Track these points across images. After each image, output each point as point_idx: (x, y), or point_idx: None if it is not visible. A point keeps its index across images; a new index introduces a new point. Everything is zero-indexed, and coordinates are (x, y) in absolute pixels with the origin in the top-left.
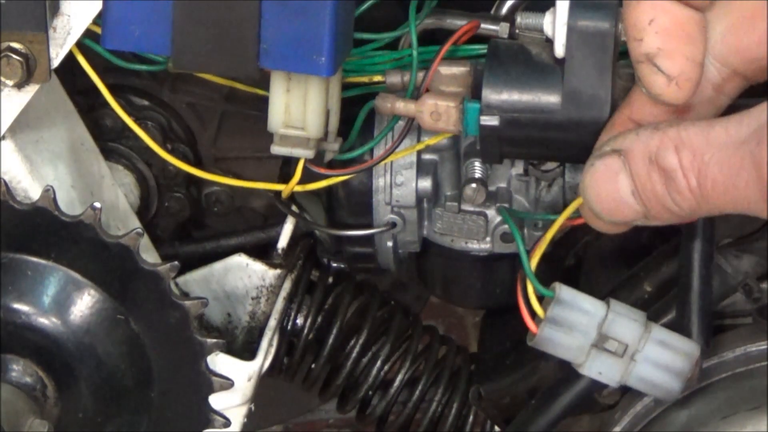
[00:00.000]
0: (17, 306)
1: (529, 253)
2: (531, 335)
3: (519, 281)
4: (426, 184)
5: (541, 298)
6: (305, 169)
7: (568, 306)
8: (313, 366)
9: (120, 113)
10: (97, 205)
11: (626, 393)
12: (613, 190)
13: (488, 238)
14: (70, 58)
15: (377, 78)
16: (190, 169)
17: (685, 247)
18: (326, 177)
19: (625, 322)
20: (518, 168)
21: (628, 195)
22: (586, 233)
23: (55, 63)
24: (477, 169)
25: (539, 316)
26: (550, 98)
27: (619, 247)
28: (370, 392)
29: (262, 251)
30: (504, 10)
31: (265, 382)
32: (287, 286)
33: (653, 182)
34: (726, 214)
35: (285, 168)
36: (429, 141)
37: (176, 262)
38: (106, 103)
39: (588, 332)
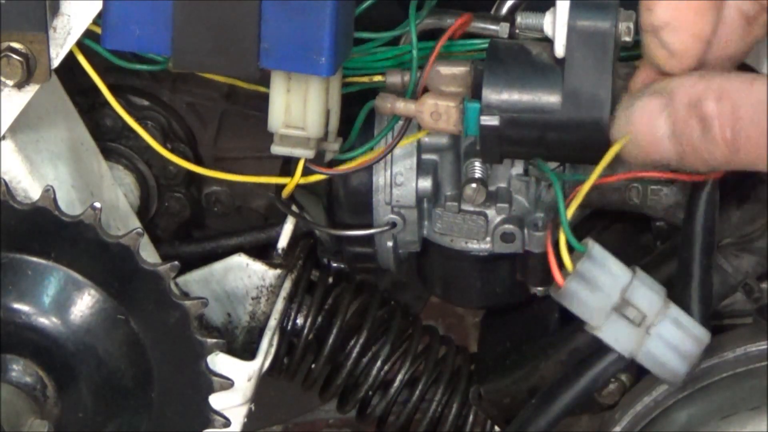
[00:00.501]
0: (17, 306)
1: (567, 202)
2: (555, 287)
3: (550, 232)
4: (426, 184)
5: (570, 252)
6: (305, 169)
7: (597, 264)
8: (313, 366)
9: (121, 113)
10: (97, 205)
11: (626, 393)
12: (653, 129)
13: (488, 238)
14: (70, 57)
15: (378, 78)
16: (191, 166)
17: (686, 237)
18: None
19: (647, 292)
20: (518, 168)
21: (665, 137)
22: (587, 232)
23: (55, 63)
24: (477, 169)
25: (566, 269)
26: (551, 98)
27: (619, 248)
28: (370, 392)
29: (262, 251)
30: (504, 10)
31: (265, 382)
32: (287, 286)
33: (691, 128)
34: (726, 212)
35: (285, 168)
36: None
37: (176, 262)
38: (106, 103)
39: (611, 294)
